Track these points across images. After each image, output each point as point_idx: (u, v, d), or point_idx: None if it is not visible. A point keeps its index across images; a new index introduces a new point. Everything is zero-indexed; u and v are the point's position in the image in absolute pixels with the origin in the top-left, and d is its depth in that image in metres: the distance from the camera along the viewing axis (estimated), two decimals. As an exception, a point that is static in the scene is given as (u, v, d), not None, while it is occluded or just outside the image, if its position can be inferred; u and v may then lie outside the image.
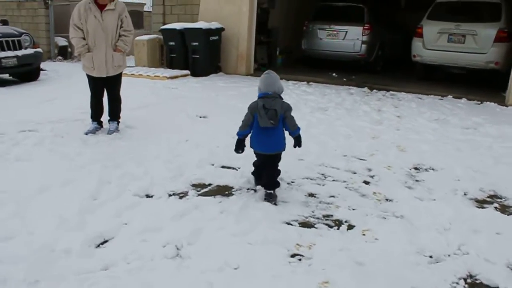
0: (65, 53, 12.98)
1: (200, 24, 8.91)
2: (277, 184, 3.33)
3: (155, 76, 8.55)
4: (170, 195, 3.32)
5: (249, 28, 9.47)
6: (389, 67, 10.87)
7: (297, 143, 3.28)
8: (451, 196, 3.48)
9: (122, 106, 5.05)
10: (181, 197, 3.30)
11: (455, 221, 3.02)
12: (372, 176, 3.85)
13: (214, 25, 9.06)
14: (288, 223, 2.94)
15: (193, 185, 3.54)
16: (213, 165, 3.98)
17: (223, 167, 3.95)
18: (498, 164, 4.23)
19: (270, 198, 3.25)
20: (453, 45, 8.55)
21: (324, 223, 2.96)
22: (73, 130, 4.83)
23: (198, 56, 9.01)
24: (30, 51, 8.32)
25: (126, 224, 2.86)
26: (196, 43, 8.91)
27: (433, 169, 4.09)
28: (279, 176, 3.40)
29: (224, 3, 9.40)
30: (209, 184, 3.57)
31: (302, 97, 7.13)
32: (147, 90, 7.27)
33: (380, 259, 2.52)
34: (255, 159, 3.43)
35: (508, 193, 3.58)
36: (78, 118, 5.26)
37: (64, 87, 7.72)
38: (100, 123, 4.99)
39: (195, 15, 9.76)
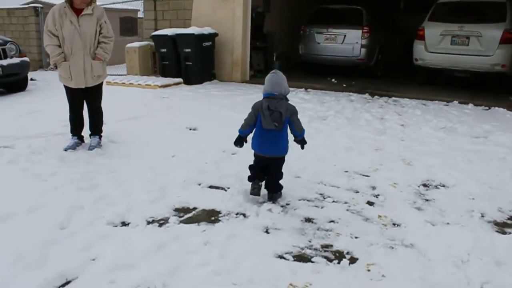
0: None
1: (192, 30, 8.54)
2: (281, 187, 3.30)
3: (146, 85, 8.20)
4: (148, 223, 2.94)
5: (244, 33, 9.09)
6: (390, 71, 10.49)
7: (301, 144, 3.26)
8: (467, 218, 3.08)
9: (108, 118, 4.73)
10: (160, 225, 2.92)
11: (474, 250, 2.63)
12: (376, 196, 3.46)
13: (207, 30, 8.68)
14: (281, 257, 2.55)
15: (176, 210, 3.16)
16: (199, 185, 3.60)
17: (210, 187, 3.57)
18: (516, 179, 3.83)
19: (274, 199, 3.24)
20: (456, 47, 8.13)
21: (322, 256, 2.57)
22: (52, 146, 4.49)
23: (190, 63, 8.62)
24: (16, 60, 8.06)
25: (94, 260, 2.49)
26: (189, 50, 8.53)
27: (443, 186, 3.70)
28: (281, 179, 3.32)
29: (217, 7, 9.05)
30: (194, 208, 3.18)
31: (299, 105, 6.61)
32: (136, 100, 6.93)
33: (389, 304, 2.13)
34: (251, 163, 3.29)
35: (530, 213, 3.18)
36: (60, 132, 4.92)
37: (51, 97, 7.33)
38: (81, 138, 4.63)
39: (188, 20, 9.42)
